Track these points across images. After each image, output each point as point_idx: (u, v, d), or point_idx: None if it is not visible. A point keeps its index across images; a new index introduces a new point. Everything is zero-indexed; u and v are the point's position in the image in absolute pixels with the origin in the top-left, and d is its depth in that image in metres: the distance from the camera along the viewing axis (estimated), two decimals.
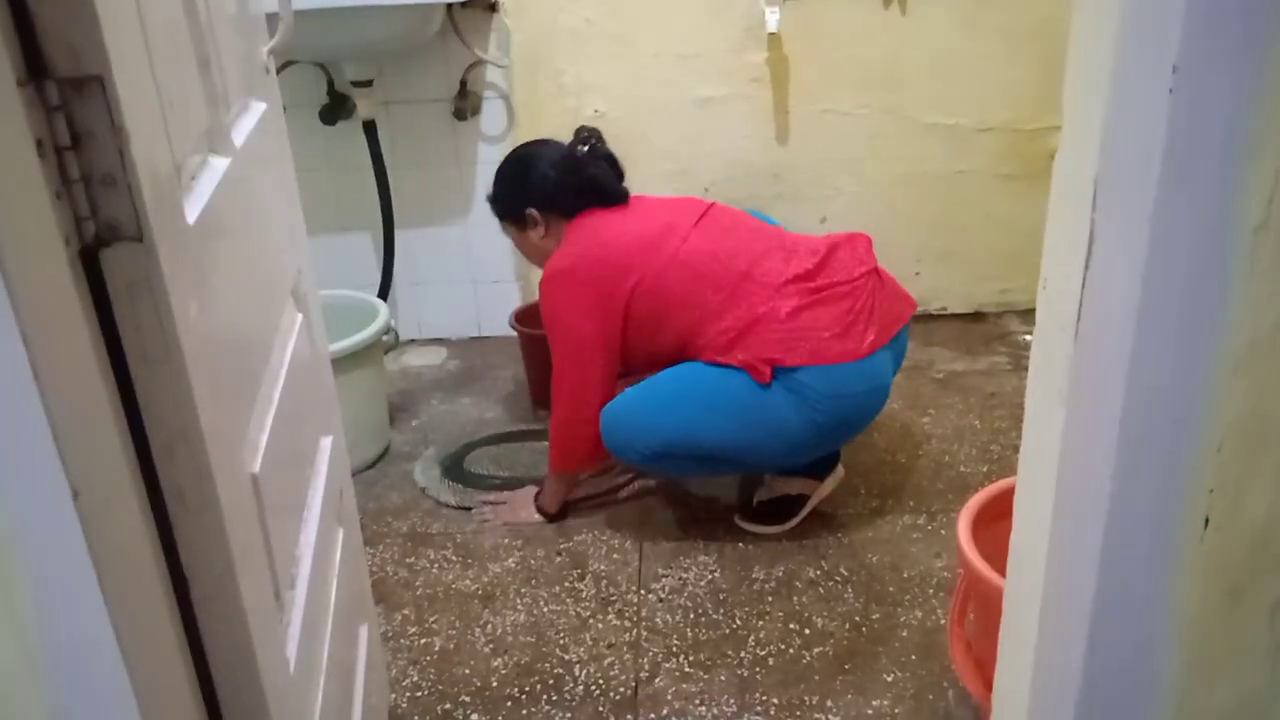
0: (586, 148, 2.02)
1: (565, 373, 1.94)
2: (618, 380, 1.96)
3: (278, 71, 2.59)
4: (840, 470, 2.04)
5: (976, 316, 2.87)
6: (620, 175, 2.06)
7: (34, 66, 0.57)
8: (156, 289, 0.64)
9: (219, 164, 0.86)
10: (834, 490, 2.04)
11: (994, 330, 2.80)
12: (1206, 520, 0.62)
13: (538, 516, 2.07)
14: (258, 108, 1.06)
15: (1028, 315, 2.80)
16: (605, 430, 1.89)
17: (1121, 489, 0.63)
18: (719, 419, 1.82)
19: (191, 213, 0.74)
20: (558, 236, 2.01)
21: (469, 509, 2.12)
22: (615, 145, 2.15)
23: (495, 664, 1.69)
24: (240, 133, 0.96)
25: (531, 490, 2.11)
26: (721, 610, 1.79)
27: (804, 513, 2.00)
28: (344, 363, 2.04)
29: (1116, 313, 0.59)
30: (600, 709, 1.59)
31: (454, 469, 2.27)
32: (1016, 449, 0.78)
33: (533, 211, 2.02)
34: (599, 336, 1.89)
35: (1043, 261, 0.70)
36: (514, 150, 2.13)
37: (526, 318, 2.50)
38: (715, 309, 1.84)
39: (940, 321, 2.86)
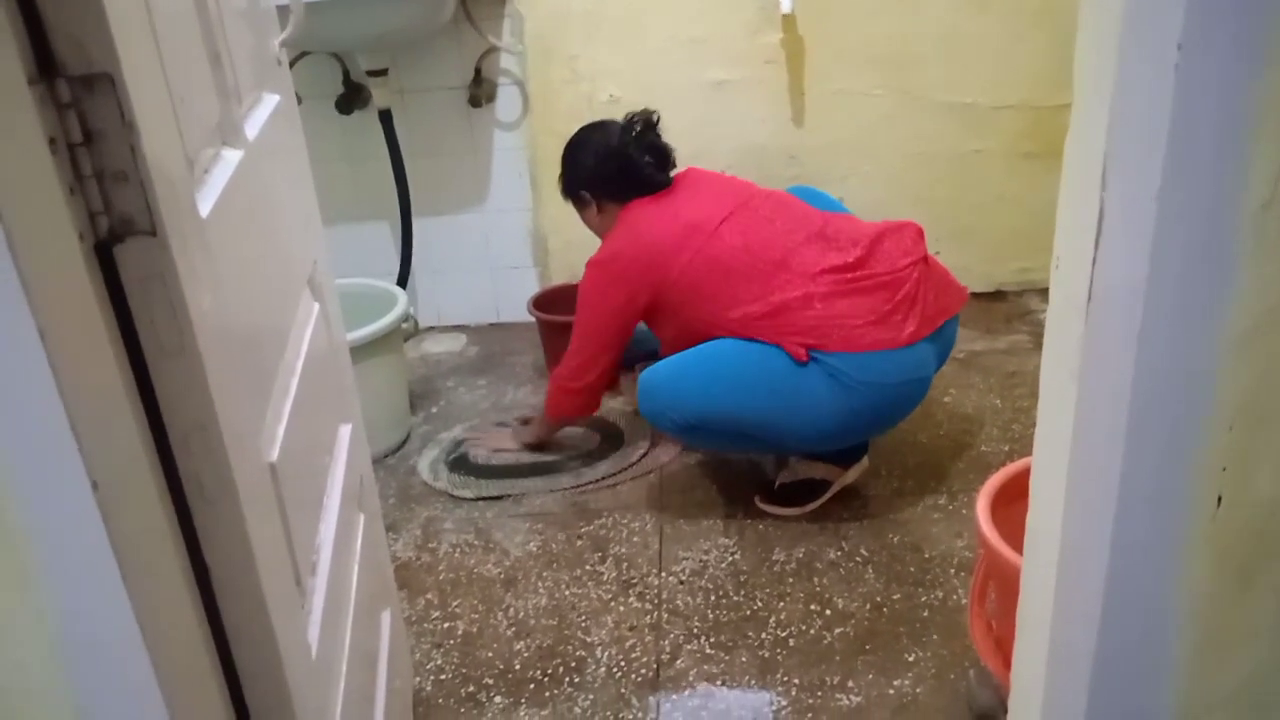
0: (631, 136, 2.07)
1: (579, 348, 2.06)
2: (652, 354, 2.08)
3: (293, 63, 2.60)
4: (865, 461, 2.04)
5: (997, 295, 2.86)
6: (667, 164, 2.10)
7: (44, 65, 0.58)
8: (170, 282, 0.64)
9: (231, 157, 0.86)
10: (857, 478, 2.04)
11: (1014, 309, 2.79)
12: (1219, 498, 0.62)
13: (515, 445, 2.27)
14: (270, 100, 1.07)
15: (1048, 294, 2.78)
16: (642, 396, 1.92)
17: (1132, 468, 0.63)
18: (756, 395, 1.83)
19: (204, 206, 0.75)
20: (611, 217, 2.08)
21: (484, 499, 2.13)
22: None
23: (518, 647, 1.70)
24: (253, 125, 0.96)
25: (508, 430, 2.33)
26: (742, 592, 1.80)
27: (825, 498, 2.00)
28: (364, 351, 2.06)
29: (1125, 291, 0.59)
30: (622, 691, 1.60)
31: (458, 462, 2.27)
32: None
33: (585, 193, 2.12)
34: (616, 332, 2.02)
35: (1055, 240, 0.69)
36: (577, 130, 2.18)
37: (544, 303, 2.51)
38: (745, 297, 1.85)
39: None
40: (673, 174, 2.09)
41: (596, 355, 2.04)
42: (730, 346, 1.85)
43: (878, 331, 1.79)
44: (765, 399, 1.82)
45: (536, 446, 2.26)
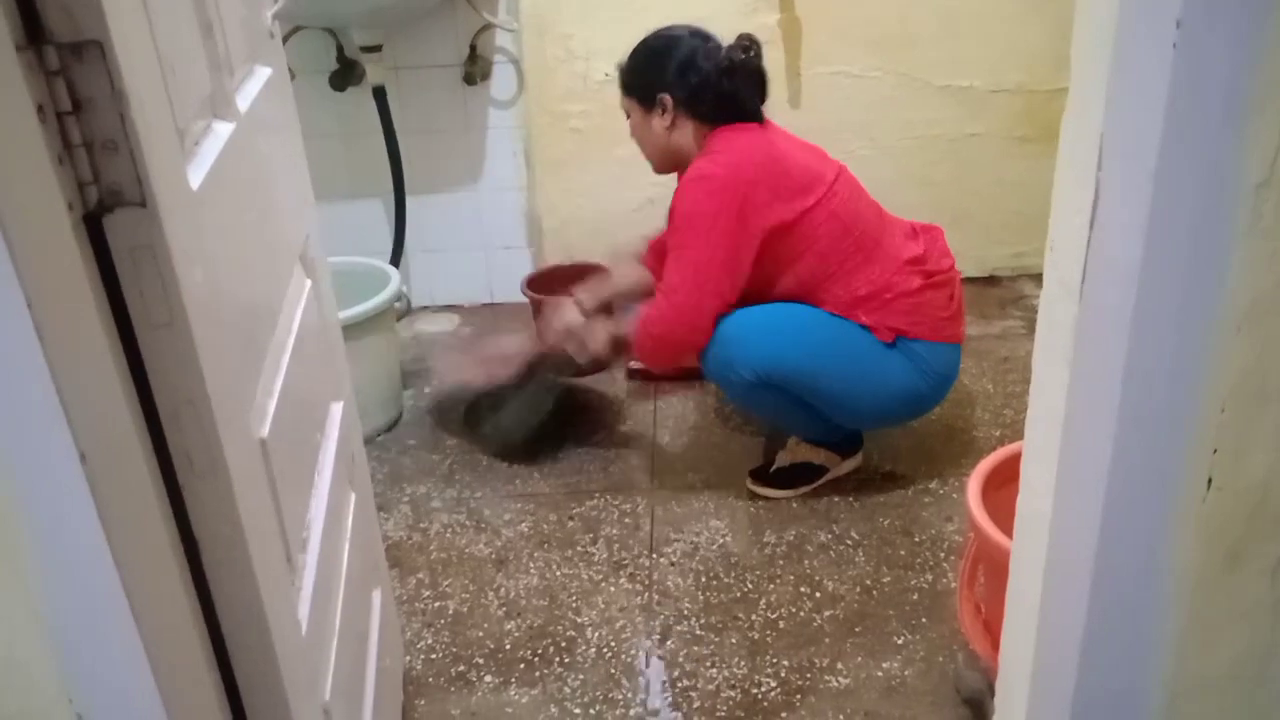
0: (744, 56, 1.88)
1: (684, 284, 1.81)
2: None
3: (286, 37, 2.57)
4: (860, 455, 2.05)
5: (991, 280, 2.86)
6: (763, 96, 1.93)
7: (33, 31, 0.57)
8: (160, 254, 0.64)
9: (223, 129, 0.85)
10: (851, 469, 2.05)
11: (1008, 294, 2.79)
12: (1209, 480, 0.62)
13: (596, 350, 1.98)
14: (263, 72, 1.06)
15: (1042, 280, 2.78)
16: (715, 343, 1.82)
17: (1124, 450, 0.63)
18: (837, 363, 1.84)
19: (195, 178, 0.74)
20: (685, 136, 1.90)
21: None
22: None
23: (508, 627, 1.71)
24: (245, 98, 0.96)
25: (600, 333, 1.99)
26: (733, 574, 1.80)
27: (818, 483, 2.00)
28: (356, 329, 2.05)
29: (1119, 272, 0.59)
30: (612, 671, 1.60)
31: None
32: None
33: (666, 97, 1.88)
34: (729, 255, 1.79)
35: (1050, 222, 0.69)
36: (664, 29, 1.95)
37: (538, 284, 2.50)
38: (851, 267, 1.85)
39: None
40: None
41: (703, 293, 1.79)
42: (821, 314, 1.85)
43: (953, 326, 1.89)
44: (847, 370, 1.84)
45: (598, 365, 2.06)
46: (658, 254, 2.01)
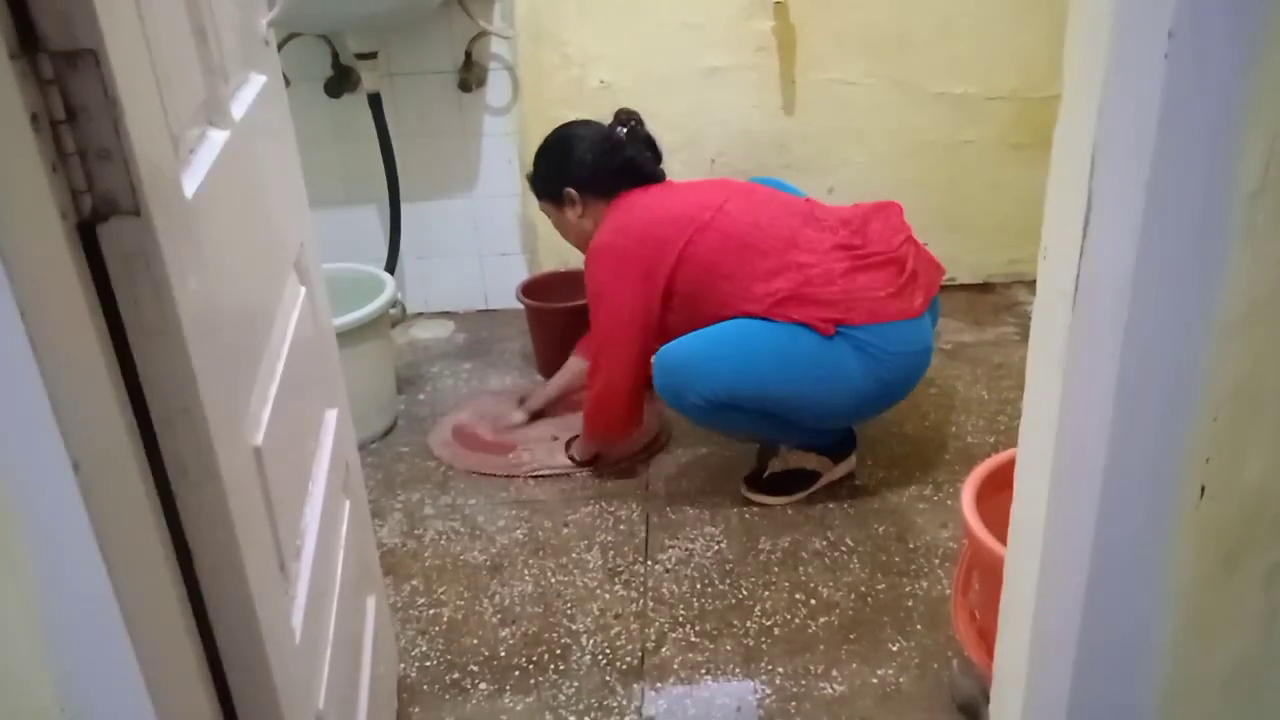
0: (626, 130, 2.06)
1: (603, 348, 1.97)
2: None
3: (282, 44, 2.57)
4: (854, 458, 2.05)
5: (985, 287, 2.86)
6: (658, 157, 2.10)
7: (27, 40, 0.57)
8: (154, 263, 0.64)
9: (217, 137, 0.85)
10: (845, 474, 2.05)
11: (1002, 301, 2.79)
12: (1202, 488, 0.62)
13: (568, 462, 2.16)
14: (257, 80, 1.06)
15: (1036, 285, 2.78)
16: (661, 375, 1.87)
17: (1117, 457, 0.63)
18: (788, 370, 1.82)
19: (189, 186, 0.74)
20: (595, 216, 2.05)
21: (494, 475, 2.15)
22: None
23: (503, 634, 1.70)
24: (239, 105, 0.96)
25: (565, 439, 2.21)
26: (728, 581, 1.80)
27: (813, 489, 2.00)
28: (351, 336, 2.05)
29: (1112, 280, 0.59)
30: (607, 678, 1.60)
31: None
32: None
33: (571, 191, 2.07)
34: (638, 312, 1.91)
35: (1043, 230, 0.69)
36: (555, 130, 2.15)
37: (533, 290, 2.50)
38: (763, 274, 1.84)
39: (948, 292, 2.84)
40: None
41: (622, 352, 1.94)
42: (756, 324, 1.84)
43: (898, 302, 1.83)
44: (797, 374, 1.82)
45: (590, 463, 2.15)
46: (588, 343, 2.14)
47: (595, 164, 2.04)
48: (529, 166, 2.16)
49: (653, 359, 1.90)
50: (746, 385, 1.82)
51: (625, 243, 1.93)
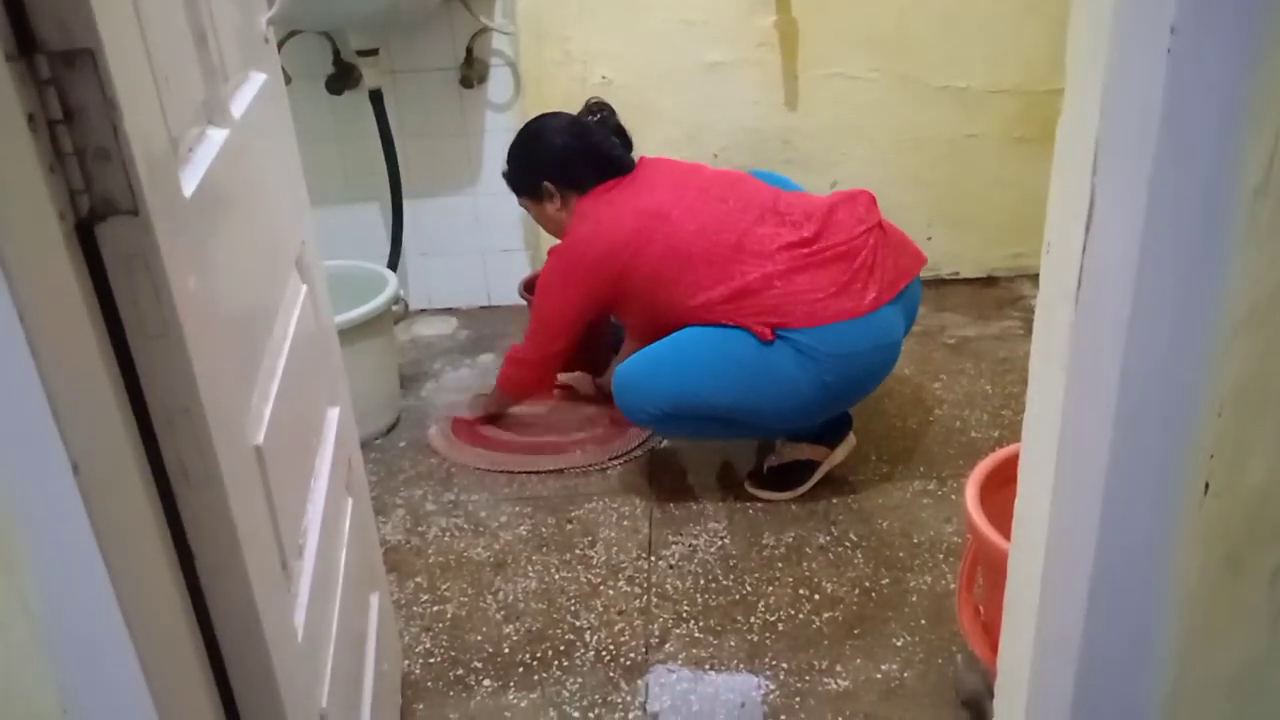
0: (595, 118, 2.07)
1: (535, 329, 2.09)
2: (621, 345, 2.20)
3: (282, 42, 2.57)
4: (852, 438, 2.04)
5: (989, 281, 2.85)
6: (628, 146, 2.10)
7: (23, 40, 0.57)
8: (153, 263, 0.64)
9: (217, 136, 0.85)
10: (845, 457, 2.04)
11: (1006, 295, 2.79)
12: (1206, 486, 0.62)
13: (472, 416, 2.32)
14: (257, 78, 1.06)
15: (1039, 280, 2.78)
16: (617, 392, 1.93)
17: (1121, 455, 0.62)
18: (726, 379, 1.83)
19: (188, 186, 0.74)
20: (571, 210, 2.06)
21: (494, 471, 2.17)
22: (622, 112, 2.15)
23: (507, 630, 1.70)
24: (239, 104, 0.95)
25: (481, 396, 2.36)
26: (731, 576, 1.80)
27: (814, 480, 2.00)
28: (354, 333, 2.05)
29: (1115, 277, 0.59)
30: (611, 674, 1.60)
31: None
32: None
33: (548, 184, 2.07)
34: (572, 322, 2.04)
35: (1046, 226, 0.69)
36: (525, 124, 2.17)
37: (536, 286, 2.49)
38: (706, 282, 1.86)
39: (952, 286, 2.84)
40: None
41: (551, 339, 2.07)
42: (697, 333, 1.86)
43: (840, 302, 1.80)
44: (736, 382, 1.83)
45: (491, 419, 2.30)
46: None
47: (565, 149, 2.05)
48: None
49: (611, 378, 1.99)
50: (688, 396, 1.86)
51: (576, 256, 1.99)
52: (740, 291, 1.82)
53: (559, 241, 2.06)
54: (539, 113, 2.18)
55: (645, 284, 1.93)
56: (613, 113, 2.12)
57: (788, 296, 1.80)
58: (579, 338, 2.08)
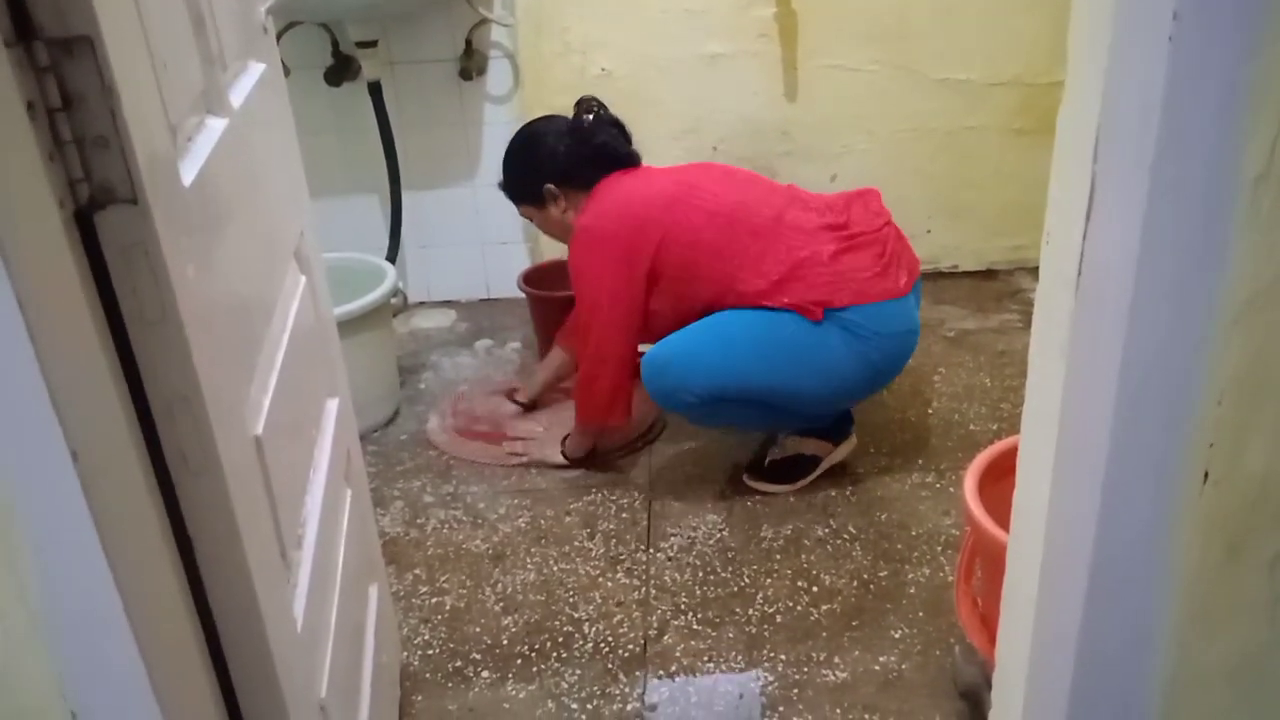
0: (591, 116, 2.03)
1: (588, 328, 1.94)
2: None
3: (281, 33, 2.56)
4: (854, 438, 2.04)
5: (988, 274, 2.85)
6: (628, 139, 2.07)
7: (22, 28, 0.57)
8: (152, 251, 0.63)
9: (216, 125, 0.85)
10: (845, 456, 2.04)
11: (1005, 287, 2.78)
12: (1206, 474, 0.62)
13: (562, 459, 2.09)
14: (256, 68, 1.05)
15: (1039, 272, 2.78)
16: (650, 375, 1.87)
17: (1120, 444, 0.62)
18: (772, 361, 1.82)
19: (187, 174, 0.74)
20: (578, 208, 2.01)
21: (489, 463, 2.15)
22: (621, 104, 2.14)
23: (505, 622, 1.71)
24: (238, 94, 0.95)
25: (561, 433, 2.13)
26: (730, 568, 1.80)
27: (814, 475, 2.00)
28: (353, 325, 2.05)
29: (1116, 266, 0.59)
30: (609, 666, 1.60)
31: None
32: None
33: (550, 187, 2.03)
34: (621, 290, 1.89)
35: (1046, 215, 0.69)
36: (518, 132, 2.12)
37: (534, 279, 2.50)
38: (754, 255, 1.84)
39: (951, 279, 2.84)
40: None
41: (607, 329, 1.91)
42: (742, 316, 1.84)
43: (883, 282, 1.82)
44: (782, 363, 1.82)
45: (583, 463, 2.09)
46: (569, 331, 2.17)
47: (568, 154, 2.00)
48: None
49: (641, 361, 1.89)
50: (734, 379, 1.83)
51: (605, 225, 1.91)
52: (795, 267, 1.81)
53: (574, 230, 1.98)
54: (538, 105, 2.18)
55: (683, 254, 1.86)
56: (604, 107, 2.07)
57: (837, 274, 1.81)
58: (640, 330, 1.92)
